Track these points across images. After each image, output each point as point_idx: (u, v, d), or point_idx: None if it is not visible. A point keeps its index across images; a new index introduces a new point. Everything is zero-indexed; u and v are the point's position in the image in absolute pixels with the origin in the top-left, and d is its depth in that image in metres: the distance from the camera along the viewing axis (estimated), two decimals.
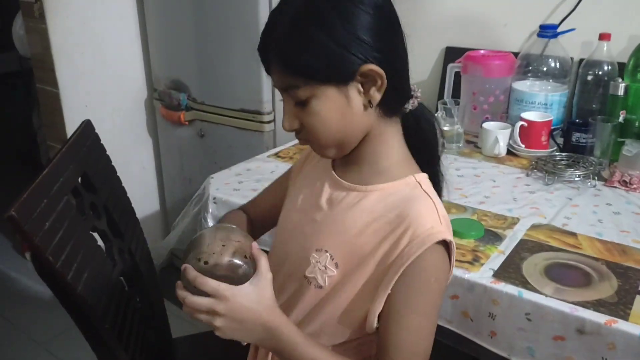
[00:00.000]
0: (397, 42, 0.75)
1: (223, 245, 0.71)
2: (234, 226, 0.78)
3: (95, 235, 1.02)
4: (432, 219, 0.74)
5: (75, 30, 1.94)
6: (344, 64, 0.69)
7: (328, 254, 0.78)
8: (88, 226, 0.99)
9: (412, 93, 0.78)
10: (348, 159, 0.80)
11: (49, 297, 2.20)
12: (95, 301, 0.88)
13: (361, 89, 0.72)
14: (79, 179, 1.02)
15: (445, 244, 0.74)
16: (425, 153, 0.82)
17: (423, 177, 0.79)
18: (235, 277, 0.71)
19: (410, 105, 0.78)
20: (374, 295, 0.75)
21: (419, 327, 0.74)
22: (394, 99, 0.75)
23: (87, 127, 1.11)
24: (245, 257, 0.72)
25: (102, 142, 1.15)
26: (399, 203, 0.76)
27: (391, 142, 0.78)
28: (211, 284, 0.69)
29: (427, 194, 0.77)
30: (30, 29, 1.96)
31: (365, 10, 0.69)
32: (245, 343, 0.81)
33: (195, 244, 0.73)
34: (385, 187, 0.77)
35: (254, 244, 0.75)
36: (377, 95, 0.72)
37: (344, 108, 0.72)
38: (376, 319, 0.76)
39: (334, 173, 0.82)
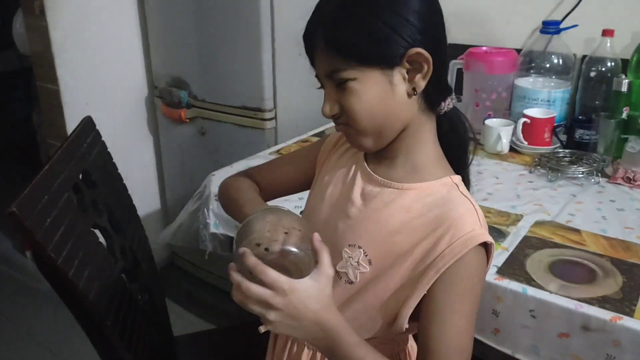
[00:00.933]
0: (442, 31, 0.74)
1: (285, 233, 0.67)
2: (292, 212, 0.74)
3: (97, 232, 1.01)
4: (472, 221, 0.73)
5: (75, 28, 1.94)
6: (391, 45, 0.69)
7: (362, 250, 0.77)
8: (89, 223, 0.99)
9: (450, 95, 0.77)
10: (382, 152, 0.78)
11: (49, 296, 2.20)
12: (97, 298, 0.87)
13: (406, 75, 0.71)
14: (80, 176, 1.01)
15: (484, 246, 0.73)
16: (457, 156, 0.81)
17: (459, 179, 0.78)
18: (296, 269, 0.67)
19: (446, 105, 0.77)
20: (408, 296, 0.74)
21: (462, 328, 0.72)
22: (437, 90, 0.74)
23: (88, 124, 1.11)
24: (308, 248, 0.69)
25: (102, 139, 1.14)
26: (438, 204, 0.74)
27: (427, 139, 0.77)
28: (272, 274, 0.66)
29: (466, 196, 0.76)
30: (30, 26, 1.95)
31: None
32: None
33: (254, 228, 0.68)
34: (422, 186, 0.76)
35: (316, 236, 0.71)
36: (422, 83, 0.71)
37: (386, 93, 0.71)
38: (407, 320, 0.75)
39: (367, 166, 0.81)
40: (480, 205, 1.18)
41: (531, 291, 0.92)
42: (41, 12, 1.86)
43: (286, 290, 0.66)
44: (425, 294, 0.73)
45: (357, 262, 0.77)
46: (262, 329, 0.85)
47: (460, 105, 1.57)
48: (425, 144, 0.77)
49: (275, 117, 1.83)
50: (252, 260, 0.66)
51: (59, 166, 0.93)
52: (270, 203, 0.93)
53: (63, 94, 1.95)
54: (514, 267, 0.98)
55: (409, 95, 0.72)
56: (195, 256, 2.15)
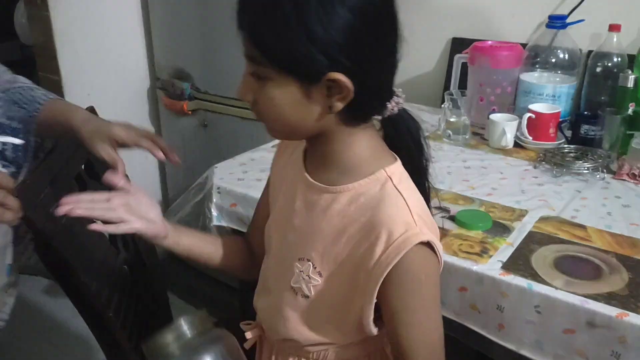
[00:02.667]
0: (383, 58, 0.68)
1: None
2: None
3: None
4: (405, 221, 0.70)
5: (78, 18, 1.93)
6: (310, 63, 0.64)
7: (310, 263, 0.76)
8: None
9: (394, 98, 0.73)
10: (316, 157, 0.76)
11: (47, 288, 2.20)
12: (99, 289, 0.87)
13: (325, 92, 0.66)
14: (83, 166, 1.00)
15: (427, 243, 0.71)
16: (410, 159, 0.78)
17: (395, 169, 0.74)
18: None
19: (389, 111, 0.73)
20: (362, 305, 0.73)
21: (424, 322, 0.73)
22: (358, 112, 0.70)
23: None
24: None
25: None
26: (370, 205, 0.72)
27: (354, 144, 0.73)
28: None
29: (398, 190, 0.72)
30: (32, 16, 1.94)
31: (352, 15, 0.63)
32: None
33: None
34: (354, 186, 0.73)
35: None
36: (338, 105, 0.67)
37: (300, 104, 0.67)
38: (372, 325, 0.75)
39: (306, 174, 0.78)
40: (484, 201, 1.20)
41: (536, 287, 0.92)
42: (43, 2, 1.85)
43: None
44: (380, 299, 0.72)
45: (308, 276, 0.76)
46: (246, 346, 0.87)
47: (465, 100, 1.57)
48: (353, 147, 0.73)
49: None
50: None
51: (62, 156, 0.93)
52: None
53: (65, 85, 1.94)
54: (519, 263, 0.98)
55: (324, 113, 0.68)
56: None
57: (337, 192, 0.74)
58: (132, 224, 0.78)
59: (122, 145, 0.87)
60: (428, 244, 0.71)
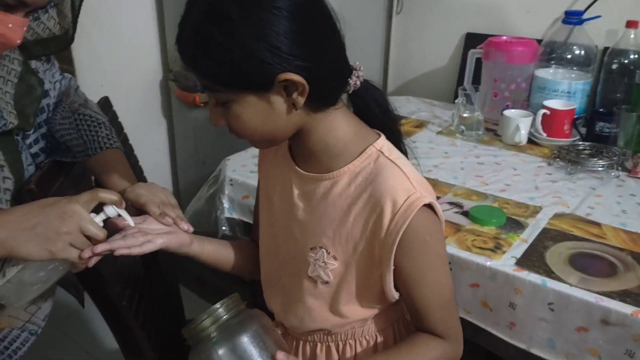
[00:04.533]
0: (323, 42, 0.70)
1: None
2: (251, 337, 0.73)
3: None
4: (405, 189, 0.73)
5: (92, 8, 1.92)
6: (258, 73, 0.66)
7: (323, 250, 0.78)
8: None
9: (354, 73, 0.75)
10: (302, 151, 0.78)
11: (60, 279, 2.21)
12: (114, 279, 0.87)
13: (283, 93, 0.69)
14: None
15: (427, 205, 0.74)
16: (384, 128, 0.79)
17: (382, 142, 0.77)
18: None
19: (353, 86, 0.75)
20: (382, 274, 0.76)
21: (435, 280, 0.77)
22: (322, 97, 0.72)
23: (105, 104, 1.11)
24: None
25: None
26: (369, 180, 0.74)
27: (335, 128, 0.75)
28: None
29: (392, 160, 0.75)
30: None
31: (280, 14, 0.65)
32: None
33: None
34: (349, 168, 0.75)
35: (280, 357, 0.71)
36: (300, 100, 0.69)
37: (266, 112, 0.70)
38: (393, 290, 0.78)
39: (297, 167, 0.80)
40: (498, 197, 1.19)
41: (551, 283, 0.91)
42: None
43: None
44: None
45: (324, 262, 0.78)
46: None
47: (478, 95, 1.56)
48: (335, 130, 0.75)
49: None
50: None
51: None
52: None
53: (79, 75, 1.94)
54: (533, 259, 0.97)
55: (290, 110, 0.70)
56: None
57: (334, 177, 0.76)
58: (156, 241, 0.80)
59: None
60: (429, 206, 0.74)
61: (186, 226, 0.85)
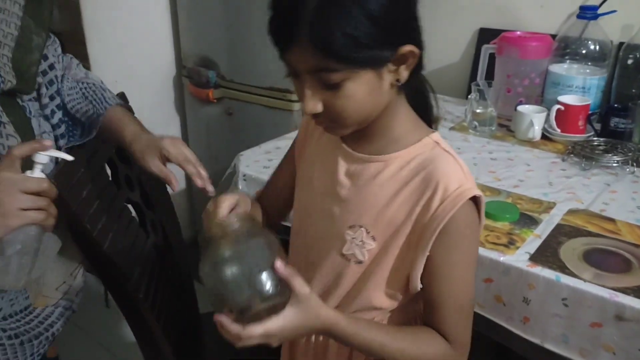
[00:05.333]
0: (417, 14, 0.71)
1: (250, 286, 0.66)
2: (253, 240, 0.72)
3: (129, 207, 1.02)
4: (458, 178, 0.74)
5: (106, 5, 1.94)
6: (383, 48, 0.66)
7: (363, 229, 0.78)
8: (122, 197, 1.00)
9: None
10: (358, 132, 0.77)
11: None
12: (130, 270, 0.89)
13: (392, 67, 0.69)
14: (114, 151, 1.02)
15: (473, 199, 0.74)
16: (425, 110, 0.81)
17: (438, 136, 0.78)
18: (277, 305, 0.68)
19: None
20: (413, 259, 0.76)
21: (461, 279, 0.76)
22: (415, 74, 0.73)
23: (121, 99, 1.12)
24: (276, 285, 0.67)
25: None
26: (423, 166, 0.75)
27: (401, 112, 0.77)
28: (258, 332, 0.67)
29: (448, 151, 0.76)
30: (62, 3, 1.97)
31: None
32: None
33: (223, 294, 0.67)
34: (404, 153, 0.76)
35: (279, 265, 0.67)
36: (405, 74, 0.70)
37: (376, 89, 0.70)
38: (418, 279, 0.77)
39: (345, 146, 0.80)
40: (511, 192, 1.19)
41: (565, 279, 0.91)
42: None
43: (276, 332, 0.68)
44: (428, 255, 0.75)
45: (362, 241, 0.78)
46: None
47: (491, 91, 1.55)
48: (399, 115, 0.77)
49: None
50: (234, 332, 0.66)
51: (94, 140, 0.94)
52: None
53: (93, 71, 1.95)
54: (546, 255, 0.97)
55: (392, 86, 0.71)
56: None
57: (386, 160, 0.77)
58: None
59: (168, 160, 0.92)
60: (474, 204, 0.75)
61: (211, 188, 0.90)
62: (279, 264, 0.66)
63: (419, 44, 0.69)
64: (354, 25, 0.63)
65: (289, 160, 0.94)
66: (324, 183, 0.83)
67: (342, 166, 0.80)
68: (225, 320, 0.66)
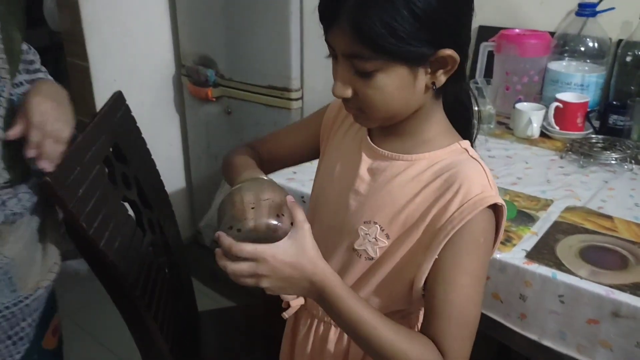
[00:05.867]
0: (470, 22, 0.70)
1: (253, 208, 0.68)
2: (264, 177, 0.76)
3: (126, 205, 1.03)
4: (482, 183, 0.72)
5: (105, 5, 1.95)
6: (422, 46, 0.65)
7: (377, 226, 0.77)
8: (119, 196, 1.00)
9: None
10: (387, 130, 0.78)
11: (73, 270, 2.24)
12: (127, 269, 0.89)
13: (429, 70, 0.68)
14: (111, 149, 1.02)
15: (494, 208, 0.72)
16: (463, 126, 0.80)
17: (467, 144, 0.78)
18: (274, 236, 0.69)
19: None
20: (421, 260, 0.74)
21: (467, 289, 0.71)
22: (454, 81, 0.72)
23: (118, 99, 1.12)
24: (279, 214, 0.68)
25: None
26: (447, 169, 0.74)
27: (434, 117, 0.76)
28: (248, 249, 0.67)
29: (475, 159, 0.75)
30: (61, 3, 1.97)
31: None
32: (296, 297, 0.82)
33: (226, 210, 0.70)
34: (431, 155, 0.75)
35: (289, 198, 0.71)
36: (442, 79, 0.69)
37: (407, 86, 0.69)
38: (422, 283, 0.75)
39: (371, 142, 0.80)
40: (509, 190, 1.19)
41: (561, 276, 0.91)
42: None
43: (267, 257, 0.67)
44: (437, 258, 0.73)
45: (375, 238, 0.77)
46: (285, 315, 0.86)
47: (490, 89, 1.55)
48: (433, 120, 0.76)
49: (302, 97, 1.82)
50: (226, 242, 0.67)
51: (91, 139, 0.94)
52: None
53: (92, 70, 1.96)
54: (543, 252, 0.97)
55: (427, 88, 0.70)
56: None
57: (412, 160, 0.76)
58: None
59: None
60: (496, 211, 0.72)
61: (45, 165, 0.80)
62: (289, 197, 0.70)
63: (462, 51, 0.68)
64: (394, 17, 0.63)
65: (308, 132, 0.93)
66: (344, 175, 0.83)
67: (365, 161, 0.80)
68: (221, 234, 0.67)
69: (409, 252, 0.75)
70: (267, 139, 0.98)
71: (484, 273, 0.74)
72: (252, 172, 0.82)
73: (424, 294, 0.76)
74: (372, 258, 0.78)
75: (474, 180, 0.72)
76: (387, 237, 0.77)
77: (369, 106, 0.71)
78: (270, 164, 0.95)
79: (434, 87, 0.70)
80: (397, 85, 0.68)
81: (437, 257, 0.72)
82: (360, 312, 0.69)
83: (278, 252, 0.68)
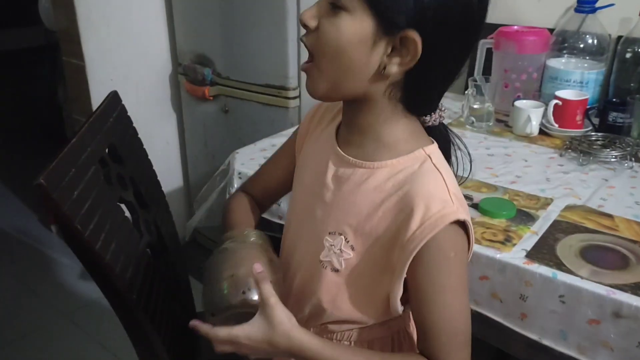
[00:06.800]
0: (456, 44, 0.67)
1: (222, 289, 0.72)
2: (244, 236, 0.80)
3: (122, 206, 1.01)
4: (442, 198, 0.69)
5: (101, 3, 1.93)
6: (398, 10, 0.63)
7: (342, 237, 0.75)
8: (115, 197, 0.99)
9: (437, 111, 0.74)
10: (352, 130, 0.75)
11: (72, 270, 2.24)
12: (123, 271, 0.88)
13: (389, 51, 0.66)
14: (106, 150, 1.01)
15: (460, 222, 0.70)
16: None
17: (434, 149, 0.74)
18: (247, 310, 0.71)
19: (431, 121, 0.74)
20: (391, 280, 0.73)
21: (450, 305, 0.71)
22: (414, 98, 0.70)
23: (114, 98, 1.11)
24: (244, 291, 0.71)
25: None
26: (407, 180, 0.71)
27: (395, 120, 0.73)
28: (222, 335, 0.71)
29: (437, 168, 0.72)
30: (56, 2, 1.96)
31: None
32: None
33: (203, 293, 0.75)
34: (392, 163, 0.73)
35: (256, 267, 0.72)
36: (393, 69, 0.67)
37: (364, 46, 0.66)
38: (399, 302, 0.74)
39: (338, 148, 0.77)
40: (508, 189, 1.18)
41: (561, 276, 0.90)
42: None
43: (241, 341, 0.70)
44: (408, 276, 0.71)
45: (340, 250, 0.75)
46: None
47: (489, 86, 1.54)
48: (395, 123, 0.73)
49: (299, 96, 1.81)
50: (202, 331, 0.73)
51: (86, 139, 0.93)
52: None
53: (89, 69, 1.95)
54: (543, 252, 0.96)
55: (378, 70, 0.67)
56: (218, 234, 2.16)
57: (374, 168, 0.74)
58: None
59: None
60: (461, 224, 0.70)
61: None
62: (257, 267, 0.71)
63: (427, 51, 0.65)
64: None
65: (286, 155, 0.92)
66: (312, 183, 0.81)
67: (331, 168, 0.78)
68: (197, 324, 0.73)
69: (378, 267, 0.74)
70: (257, 177, 0.99)
71: (463, 284, 0.73)
72: (238, 228, 0.87)
73: (403, 310, 0.76)
74: (338, 270, 0.76)
75: (433, 195, 0.69)
76: (352, 248, 0.75)
77: (320, 45, 0.68)
78: (268, 200, 0.98)
79: (382, 72, 0.67)
80: (356, 36, 0.65)
81: (410, 276, 0.71)
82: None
83: (252, 332, 0.70)
